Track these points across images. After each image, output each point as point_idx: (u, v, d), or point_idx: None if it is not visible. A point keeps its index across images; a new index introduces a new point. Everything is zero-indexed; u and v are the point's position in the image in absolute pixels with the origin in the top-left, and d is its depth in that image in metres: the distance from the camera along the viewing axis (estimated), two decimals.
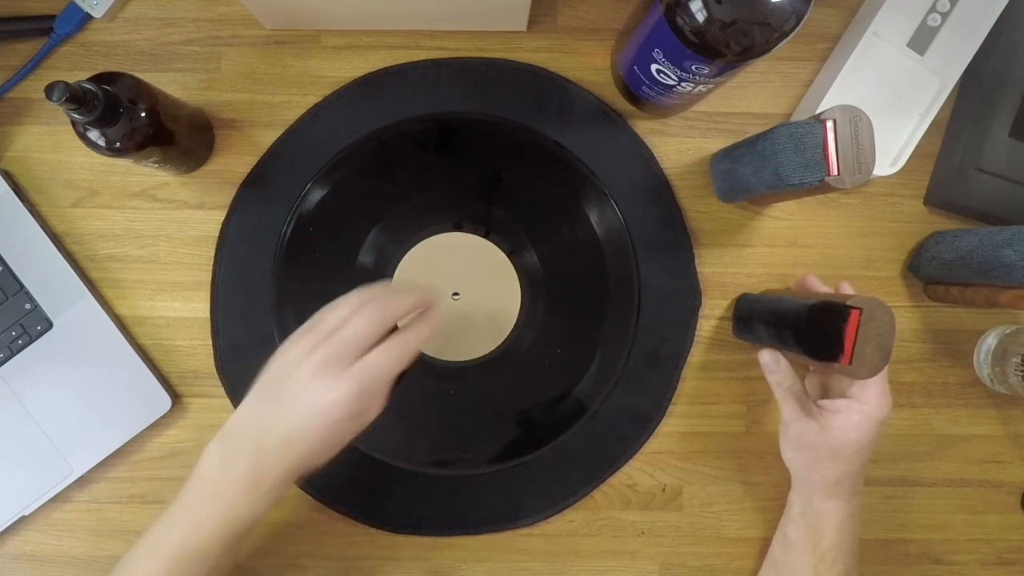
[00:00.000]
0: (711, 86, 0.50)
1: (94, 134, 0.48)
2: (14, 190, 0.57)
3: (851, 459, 0.51)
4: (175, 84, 0.58)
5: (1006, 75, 0.56)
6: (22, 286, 0.56)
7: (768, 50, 0.43)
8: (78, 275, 0.57)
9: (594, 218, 0.58)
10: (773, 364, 0.51)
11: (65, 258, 0.57)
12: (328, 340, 0.44)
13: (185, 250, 0.59)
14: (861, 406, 0.50)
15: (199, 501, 0.44)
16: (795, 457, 0.53)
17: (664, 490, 0.59)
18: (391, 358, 0.45)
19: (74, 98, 0.43)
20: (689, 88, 0.50)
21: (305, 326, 0.46)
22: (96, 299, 0.57)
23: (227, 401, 0.58)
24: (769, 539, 0.59)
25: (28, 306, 0.56)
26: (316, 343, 0.44)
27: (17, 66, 0.58)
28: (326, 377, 0.43)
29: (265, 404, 0.45)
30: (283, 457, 0.44)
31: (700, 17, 0.42)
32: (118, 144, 0.48)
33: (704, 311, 0.59)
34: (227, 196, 0.58)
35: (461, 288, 0.57)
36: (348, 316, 0.45)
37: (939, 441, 0.60)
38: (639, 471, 0.59)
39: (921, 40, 0.55)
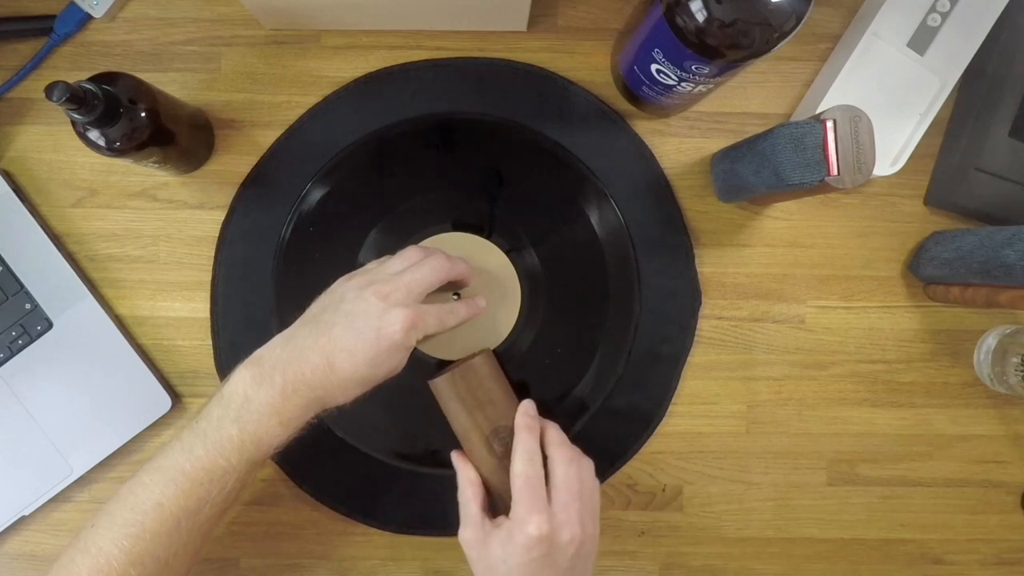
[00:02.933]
0: (711, 86, 0.50)
1: (94, 134, 0.48)
2: (14, 190, 0.57)
3: None
4: (175, 84, 0.58)
5: (1006, 75, 0.56)
6: (22, 286, 0.56)
7: (768, 50, 0.43)
8: (78, 275, 0.57)
9: (594, 218, 0.58)
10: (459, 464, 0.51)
11: (65, 258, 0.57)
12: (393, 278, 0.47)
13: (185, 250, 0.59)
14: (508, 521, 0.47)
15: (223, 422, 0.44)
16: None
17: (664, 490, 0.59)
18: (440, 315, 0.48)
19: (74, 98, 0.43)
20: (689, 88, 0.50)
21: (358, 271, 0.49)
22: (96, 299, 0.57)
23: None
24: (769, 539, 0.59)
25: (28, 306, 0.56)
26: (376, 280, 0.46)
27: (17, 66, 0.58)
28: (390, 303, 0.45)
29: (310, 330, 0.45)
30: (317, 383, 0.44)
31: (700, 17, 0.42)
32: (118, 144, 0.48)
33: (704, 311, 0.59)
34: (227, 196, 0.58)
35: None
36: (412, 264, 0.48)
37: (939, 441, 0.60)
38: (639, 471, 0.59)
39: (921, 40, 0.55)
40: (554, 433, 0.50)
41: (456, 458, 0.52)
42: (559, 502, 0.46)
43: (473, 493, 0.49)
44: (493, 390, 0.51)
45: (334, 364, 0.44)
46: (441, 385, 0.51)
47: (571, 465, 0.48)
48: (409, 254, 0.49)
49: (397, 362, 0.47)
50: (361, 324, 0.45)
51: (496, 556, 0.46)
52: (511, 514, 0.46)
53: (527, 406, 0.51)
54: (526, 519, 0.45)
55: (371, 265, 0.50)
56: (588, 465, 0.49)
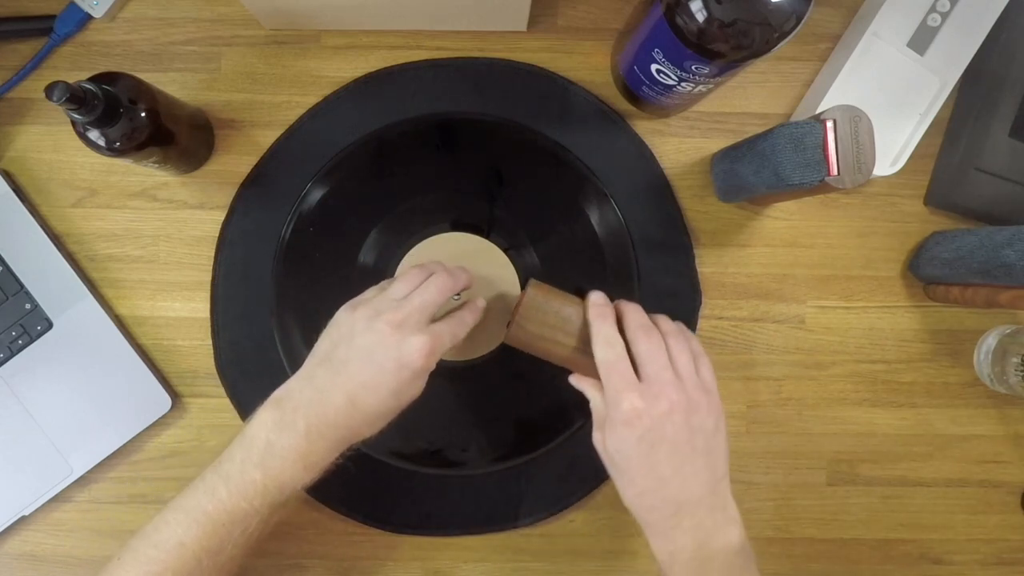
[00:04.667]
0: (711, 86, 0.50)
1: (94, 134, 0.48)
2: (14, 190, 0.57)
3: (626, 472, 0.45)
4: (175, 84, 0.58)
5: (1006, 75, 0.56)
6: (22, 286, 0.56)
7: (768, 50, 0.44)
8: (78, 275, 0.57)
9: (594, 218, 0.58)
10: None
11: (65, 258, 0.57)
12: (400, 304, 0.46)
13: (185, 250, 0.59)
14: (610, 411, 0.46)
15: (245, 465, 0.44)
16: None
17: None
18: (452, 331, 0.48)
19: (74, 98, 0.43)
20: (689, 88, 0.50)
21: (361, 297, 0.48)
22: (96, 299, 0.57)
23: (227, 401, 0.58)
24: (769, 539, 0.59)
25: (28, 306, 0.56)
26: (384, 309, 0.46)
27: (17, 66, 0.58)
28: (405, 331, 0.45)
29: (326, 369, 0.45)
30: (342, 423, 0.44)
31: (700, 17, 0.42)
32: (118, 144, 0.48)
33: (704, 311, 0.59)
34: (227, 196, 0.58)
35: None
36: (416, 286, 0.47)
37: (939, 441, 0.60)
38: None
39: (921, 40, 0.55)
40: (631, 316, 0.47)
41: (574, 381, 0.50)
42: (647, 376, 0.45)
43: (601, 397, 0.48)
44: (560, 310, 0.50)
45: (357, 401, 0.44)
46: (514, 334, 0.50)
47: (650, 340, 0.46)
48: (411, 277, 0.49)
49: (419, 388, 0.47)
50: (380, 357, 0.44)
51: (612, 447, 0.45)
52: (607, 402, 0.45)
53: (594, 297, 0.49)
54: (618, 400, 0.44)
55: (371, 292, 0.49)
56: (677, 341, 0.47)
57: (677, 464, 0.44)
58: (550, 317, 0.49)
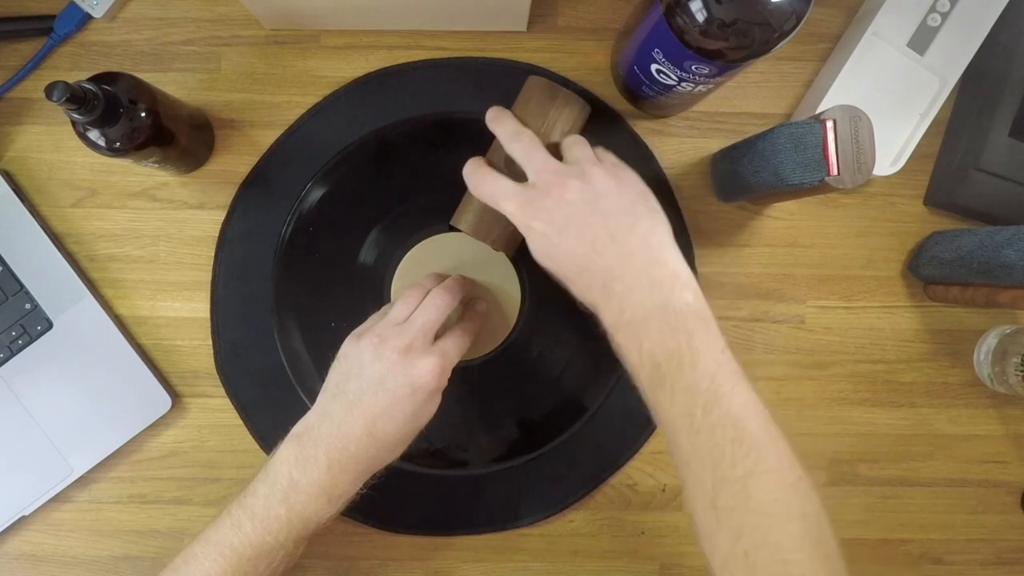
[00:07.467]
0: (711, 86, 0.50)
1: (94, 134, 0.48)
2: (14, 190, 0.57)
3: (560, 272, 0.45)
4: (175, 84, 0.58)
5: (1006, 75, 0.56)
6: (22, 286, 0.56)
7: (768, 50, 0.44)
8: (78, 275, 0.57)
9: None
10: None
11: (65, 258, 0.57)
12: (403, 328, 0.47)
13: (185, 250, 0.59)
14: None
15: (270, 501, 0.45)
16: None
17: (664, 490, 0.59)
18: (458, 344, 0.48)
19: (74, 98, 0.43)
20: (689, 88, 0.50)
21: (364, 326, 0.49)
22: (96, 299, 0.57)
23: (227, 401, 0.58)
24: None
25: (28, 306, 0.56)
26: (388, 335, 0.46)
27: (17, 66, 0.58)
28: (412, 355, 0.45)
29: (341, 403, 0.46)
30: (363, 454, 0.45)
31: (700, 17, 0.42)
32: (118, 144, 0.48)
33: None
34: (227, 196, 0.58)
35: None
36: (415, 307, 0.48)
37: (939, 441, 0.60)
38: (639, 471, 0.59)
39: (921, 40, 0.55)
40: (502, 138, 0.48)
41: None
42: (532, 182, 0.45)
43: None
44: (479, 203, 0.49)
45: (375, 431, 0.45)
46: (498, 247, 0.50)
47: (521, 143, 0.46)
48: (409, 298, 0.49)
49: (435, 406, 0.47)
50: (391, 385, 0.45)
51: (538, 260, 0.45)
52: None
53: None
54: (517, 219, 0.45)
55: (373, 319, 0.49)
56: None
57: (589, 239, 0.43)
58: (485, 214, 0.49)
